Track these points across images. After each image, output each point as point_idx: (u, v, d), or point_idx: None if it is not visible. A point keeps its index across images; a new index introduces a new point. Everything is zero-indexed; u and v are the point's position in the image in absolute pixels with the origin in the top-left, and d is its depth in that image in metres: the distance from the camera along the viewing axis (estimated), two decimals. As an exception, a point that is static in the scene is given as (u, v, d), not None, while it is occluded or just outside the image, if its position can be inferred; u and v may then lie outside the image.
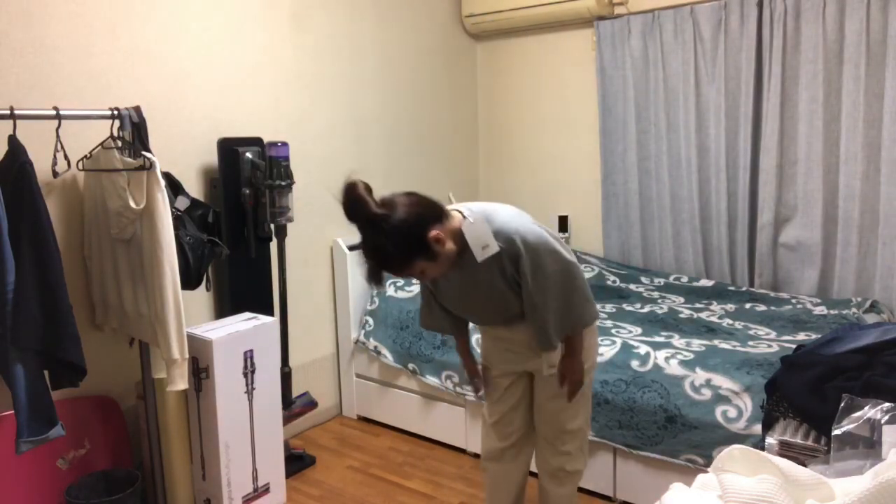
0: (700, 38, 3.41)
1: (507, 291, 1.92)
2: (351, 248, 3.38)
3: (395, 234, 1.75)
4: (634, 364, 2.53)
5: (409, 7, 3.81)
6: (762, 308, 3.08)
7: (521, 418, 2.19)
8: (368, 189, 1.82)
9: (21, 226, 1.96)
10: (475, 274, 1.90)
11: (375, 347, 3.30)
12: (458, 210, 1.90)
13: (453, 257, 1.85)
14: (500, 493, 2.25)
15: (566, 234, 4.04)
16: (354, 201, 1.79)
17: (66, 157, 2.18)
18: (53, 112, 2.11)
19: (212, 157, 2.87)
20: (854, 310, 2.93)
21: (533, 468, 2.25)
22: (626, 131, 3.73)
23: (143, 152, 2.16)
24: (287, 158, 2.84)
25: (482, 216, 1.89)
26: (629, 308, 3.13)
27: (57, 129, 2.15)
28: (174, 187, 2.51)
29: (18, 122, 2.03)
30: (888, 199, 3.01)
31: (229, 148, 2.84)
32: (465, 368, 2.24)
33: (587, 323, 2.01)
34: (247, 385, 2.51)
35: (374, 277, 1.82)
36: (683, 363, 2.45)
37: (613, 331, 2.77)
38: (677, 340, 2.64)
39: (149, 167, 2.12)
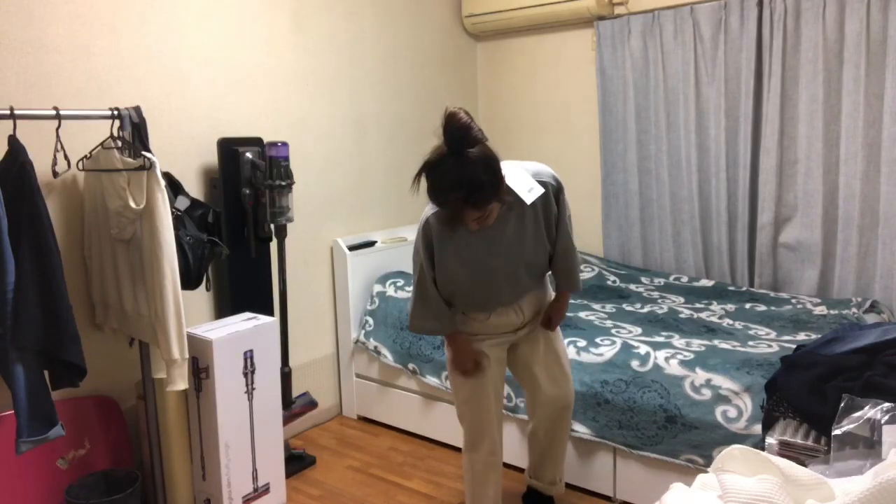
0: (700, 38, 3.41)
1: (543, 239, 2.08)
2: (351, 248, 3.38)
3: (489, 165, 1.80)
4: (634, 364, 2.53)
5: (409, 7, 3.81)
6: (762, 308, 3.08)
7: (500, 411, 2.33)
8: (470, 116, 1.82)
9: (21, 226, 1.96)
10: (517, 223, 2.02)
11: (375, 347, 3.30)
12: None
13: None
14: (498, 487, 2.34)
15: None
16: (462, 126, 1.78)
17: (66, 157, 2.19)
18: (53, 112, 2.11)
19: (212, 157, 2.87)
20: (854, 310, 2.93)
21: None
22: (626, 131, 3.73)
23: (143, 152, 2.16)
24: (287, 158, 2.84)
25: (512, 166, 2.03)
26: (629, 308, 3.13)
27: (57, 129, 2.15)
28: (174, 187, 2.52)
29: (18, 122, 2.03)
30: (888, 199, 3.01)
31: (229, 148, 2.84)
32: (466, 352, 2.19)
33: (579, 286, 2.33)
34: (247, 385, 2.51)
35: (456, 217, 1.84)
36: (683, 363, 2.45)
37: (613, 331, 2.77)
38: (677, 340, 2.64)
39: (149, 167, 2.12)
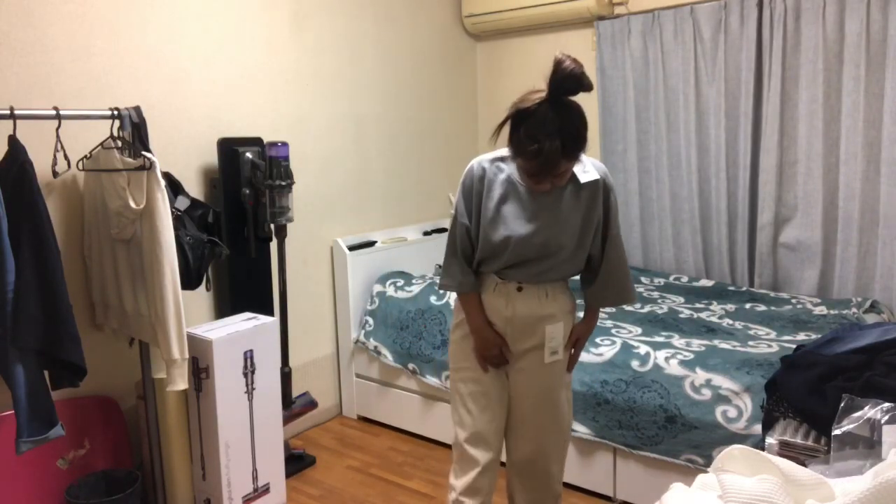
0: (700, 38, 3.41)
1: (577, 233, 1.89)
2: (351, 248, 3.38)
3: (584, 117, 1.75)
4: (634, 364, 2.53)
5: (409, 7, 3.81)
6: (762, 308, 3.07)
7: (498, 440, 2.03)
8: (581, 65, 1.75)
9: (21, 226, 1.96)
10: (560, 201, 1.88)
11: (375, 347, 3.30)
12: None
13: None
14: None
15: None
16: (573, 75, 1.69)
17: (66, 157, 2.18)
18: (53, 112, 2.11)
19: (212, 157, 2.87)
20: (854, 310, 2.93)
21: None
22: (626, 131, 3.73)
23: (143, 152, 2.16)
24: (287, 158, 2.84)
25: None
26: (629, 308, 3.13)
27: (57, 129, 2.15)
28: (174, 187, 2.52)
29: (18, 122, 2.03)
30: (888, 199, 3.01)
31: (229, 148, 2.84)
32: (486, 334, 1.94)
33: (634, 298, 2.08)
34: (247, 385, 2.51)
35: (549, 167, 1.74)
36: (683, 363, 2.45)
37: (613, 331, 2.77)
38: (677, 340, 2.64)
39: (149, 167, 2.12)
